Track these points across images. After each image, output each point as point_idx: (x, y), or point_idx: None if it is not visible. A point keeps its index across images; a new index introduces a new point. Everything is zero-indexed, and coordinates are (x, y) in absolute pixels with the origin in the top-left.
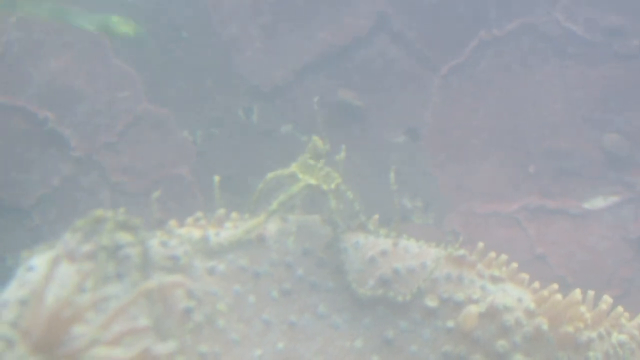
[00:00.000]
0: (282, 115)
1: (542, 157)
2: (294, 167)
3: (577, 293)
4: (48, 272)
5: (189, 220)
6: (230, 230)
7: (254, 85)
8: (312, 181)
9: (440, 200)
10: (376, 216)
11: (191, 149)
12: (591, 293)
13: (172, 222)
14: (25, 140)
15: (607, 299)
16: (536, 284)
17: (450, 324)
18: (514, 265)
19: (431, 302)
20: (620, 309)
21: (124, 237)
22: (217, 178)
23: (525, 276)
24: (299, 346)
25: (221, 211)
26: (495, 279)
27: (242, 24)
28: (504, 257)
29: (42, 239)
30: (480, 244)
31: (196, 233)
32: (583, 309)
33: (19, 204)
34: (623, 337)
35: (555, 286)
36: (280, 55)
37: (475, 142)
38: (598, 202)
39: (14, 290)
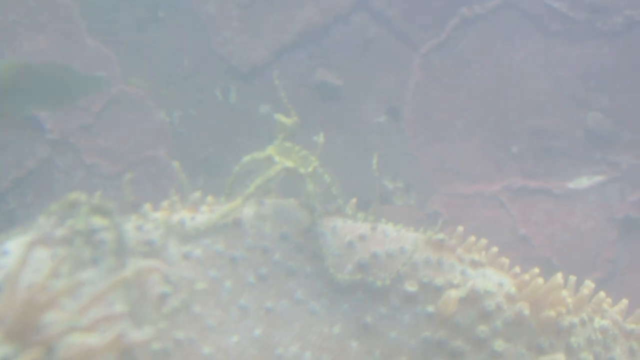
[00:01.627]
0: (260, 96)
1: (526, 137)
2: (270, 150)
3: (558, 277)
4: (22, 256)
5: (164, 203)
6: (206, 214)
7: (232, 65)
8: (289, 164)
9: (422, 181)
10: (354, 200)
11: (168, 130)
12: (573, 278)
13: (147, 206)
14: None
15: (589, 284)
16: (517, 269)
17: (430, 309)
18: (494, 249)
19: (411, 287)
20: (602, 294)
21: (99, 221)
22: (176, 164)
23: (505, 260)
24: (276, 332)
25: (196, 194)
26: (475, 264)
27: (219, 3)
28: (483, 241)
29: (17, 222)
30: (460, 228)
31: (172, 217)
32: (565, 293)
33: None
34: (605, 323)
35: (537, 270)
36: (259, 34)
37: (458, 121)
38: (582, 182)
39: None
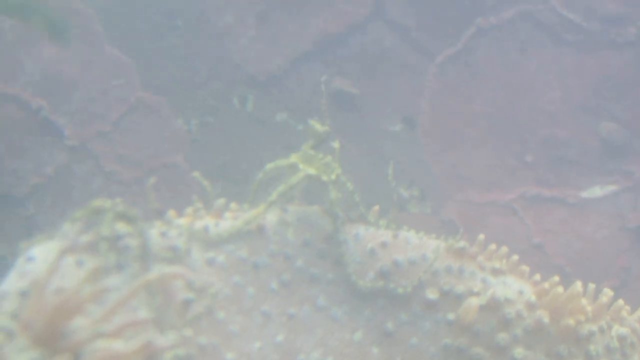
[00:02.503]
0: (277, 104)
1: (539, 146)
2: (294, 157)
3: (577, 286)
4: (53, 264)
5: (188, 210)
6: (229, 220)
7: (249, 73)
8: (312, 171)
9: (437, 189)
10: (376, 207)
11: (185, 137)
12: (592, 286)
13: (171, 212)
14: (19, 129)
15: (607, 292)
16: (537, 276)
17: (450, 316)
18: (515, 257)
19: (432, 295)
20: (620, 302)
21: (123, 227)
22: (196, 174)
23: (526, 268)
24: (298, 338)
25: (220, 201)
26: (496, 272)
27: (237, 11)
28: (504, 249)
29: (35, 228)
30: (481, 236)
31: (195, 223)
32: (584, 301)
33: (12, 193)
34: (624, 331)
35: (556, 278)
36: (276, 43)
37: (472, 130)
38: (595, 191)
39: (14, 281)
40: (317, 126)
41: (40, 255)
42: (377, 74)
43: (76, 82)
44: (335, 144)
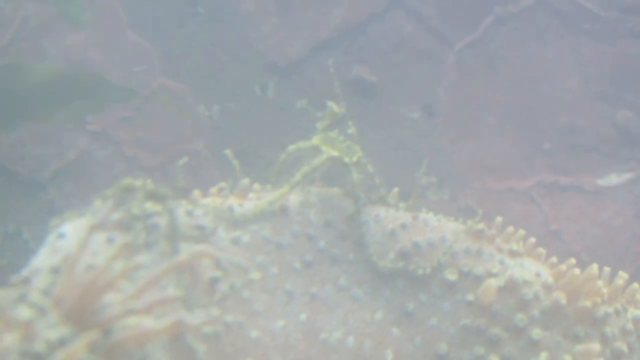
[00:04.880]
0: (297, 91)
1: (556, 134)
2: (315, 140)
3: (594, 268)
4: (82, 240)
5: (213, 190)
6: (253, 201)
7: (270, 60)
8: (335, 153)
9: (455, 177)
10: (396, 189)
11: (207, 123)
12: (607, 269)
13: (196, 192)
14: None
15: (623, 274)
16: (554, 259)
17: (469, 297)
18: (532, 240)
19: (451, 276)
20: (636, 285)
21: (152, 206)
22: (228, 152)
23: (542, 251)
24: (321, 318)
25: (245, 181)
26: (513, 254)
27: None
28: (522, 232)
29: (57, 212)
30: (499, 219)
31: (220, 203)
32: (600, 284)
33: (35, 177)
34: (639, 313)
35: (573, 261)
36: (296, 30)
37: (490, 118)
38: (612, 179)
39: (45, 258)
40: (335, 107)
41: (71, 232)
42: (396, 62)
43: (98, 69)
44: (351, 130)
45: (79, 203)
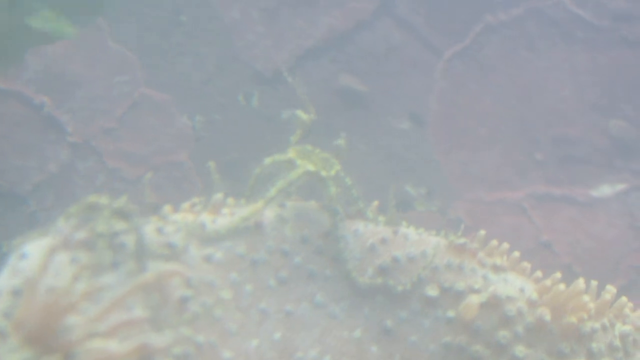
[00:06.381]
0: (283, 101)
1: (549, 144)
2: (291, 153)
3: (580, 283)
4: (43, 261)
5: (185, 205)
6: (227, 217)
7: (255, 70)
8: (311, 167)
9: (445, 188)
10: (376, 203)
11: (190, 134)
12: (594, 283)
13: (167, 207)
14: (22, 126)
15: (610, 288)
16: (539, 273)
17: (450, 313)
18: (516, 254)
19: (432, 292)
20: (624, 299)
21: (119, 224)
22: (212, 164)
23: (527, 265)
24: (296, 336)
25: (218, 196)
26: (497, 268)
27: (243, 7)
28: (505, 245)
29: (38, 225)
30: (482, 232)
31: (192, 219)
32: (586, 298)
33: (15, 190)
34: (627, 328)
35: (558, 275)
36: (283, 39)
37: (481, 128)
38: (605, 190)
39: (6, 279)
40: (303, 115)
41: (33, 252)
42: (385, 71)
43: (80, 79)
44: (341, 141)
45: (59, 216)
